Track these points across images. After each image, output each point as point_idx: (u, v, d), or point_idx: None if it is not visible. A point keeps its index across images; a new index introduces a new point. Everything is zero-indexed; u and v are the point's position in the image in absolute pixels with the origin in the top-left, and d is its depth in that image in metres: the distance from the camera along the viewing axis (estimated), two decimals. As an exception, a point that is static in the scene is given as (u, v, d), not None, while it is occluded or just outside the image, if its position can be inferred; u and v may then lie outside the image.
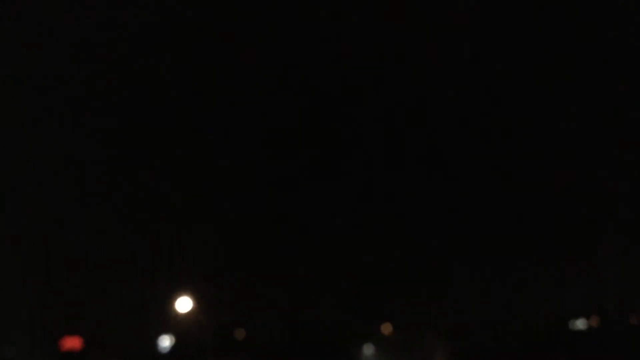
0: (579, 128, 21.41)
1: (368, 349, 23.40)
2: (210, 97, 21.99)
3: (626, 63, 20.43)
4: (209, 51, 21.50)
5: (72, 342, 21.09)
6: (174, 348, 22.17)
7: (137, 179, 21.88)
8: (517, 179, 22.31)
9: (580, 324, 21.44)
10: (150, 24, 20.66)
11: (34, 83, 20.68)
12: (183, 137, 21.97)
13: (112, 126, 21.45)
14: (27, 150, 20.47)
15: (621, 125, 20.85)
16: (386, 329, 23.46)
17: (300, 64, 21.81)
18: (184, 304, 21.51)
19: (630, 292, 20.83)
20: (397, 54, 21.76)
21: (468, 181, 22.40)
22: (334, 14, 20.92)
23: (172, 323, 21.76)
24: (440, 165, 22.78)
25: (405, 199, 22.77)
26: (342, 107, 22.59)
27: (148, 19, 20.51)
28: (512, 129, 21.90)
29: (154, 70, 21.43)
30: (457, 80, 21.82)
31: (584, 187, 21.42)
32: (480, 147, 22.28)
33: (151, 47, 21.09)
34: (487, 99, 22.05)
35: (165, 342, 22.15)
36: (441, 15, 20.73)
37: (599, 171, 21.33)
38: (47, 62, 20.68)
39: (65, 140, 21.15)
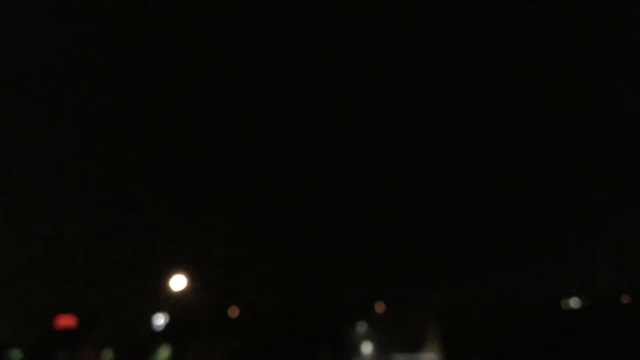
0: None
1: (361, 327, 23.60)
2: (209, 96, 22.07)
3: (626, 63, 20.44)
4: (209, 51, 21.51)
5: (66, 321, 21.14)
6: (169, 326, 22.26)
7: (136, 163, 22.02)
8: (508, 166, 22.48)
9: (572, 302, 21.66)
10: (150, 24, 20.56)
11: (35, 83, 20.60)
12: (179, 132, 22.18)
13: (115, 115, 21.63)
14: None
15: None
16: (379, 307, 23.61)
17: (300, 64, 21.82)
18: (178, 283, 21.46)
19: (621, 273, 21.00)
20: (397, 54, 21.71)
21: (461, 169, 22.58)
22: (334, 14, 20.82)
23: (167, 301, 21.78)
24: (424, 152, 22.95)
25: (399, 185, 22.93)
26: (342, 106, 22.64)
27: (148, 19, 20.38)
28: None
29: (154, 70, 21.42)
30: (458, 80, 21.85)
31: (576, 172, 21.54)
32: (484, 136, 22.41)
33: (151, 47, 21.02)
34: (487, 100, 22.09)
35: (160, 320, 22.22)
36: (441, 15, 20.69)
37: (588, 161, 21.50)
38: (47, 62, 20.57)
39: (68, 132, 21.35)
